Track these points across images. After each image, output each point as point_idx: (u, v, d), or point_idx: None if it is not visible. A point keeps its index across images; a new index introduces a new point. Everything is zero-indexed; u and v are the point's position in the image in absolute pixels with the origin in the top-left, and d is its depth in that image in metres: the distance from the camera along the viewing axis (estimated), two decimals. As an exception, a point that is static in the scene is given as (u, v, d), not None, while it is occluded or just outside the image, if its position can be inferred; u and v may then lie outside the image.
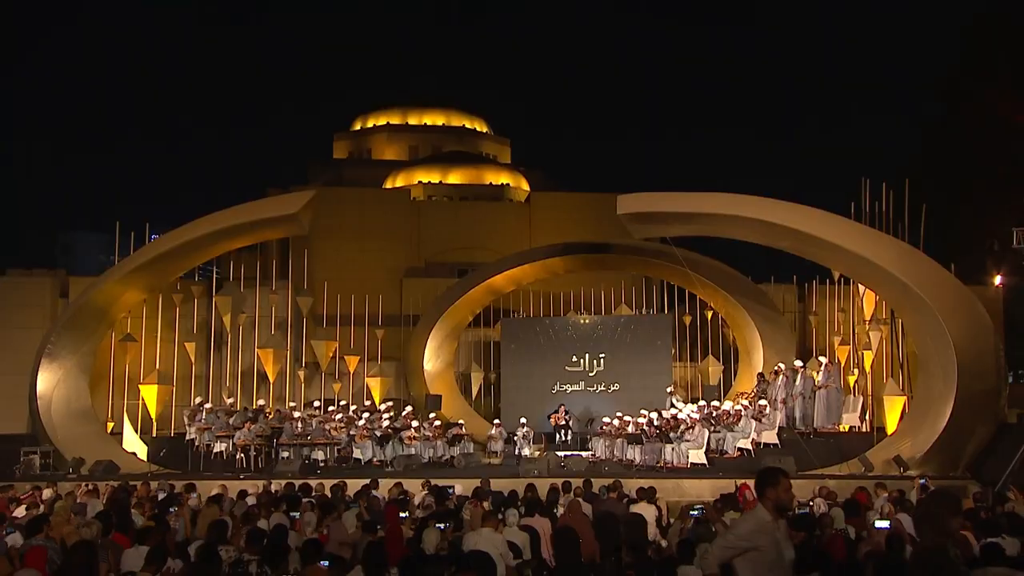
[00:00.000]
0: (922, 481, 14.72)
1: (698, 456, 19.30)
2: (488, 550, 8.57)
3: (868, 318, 24.04)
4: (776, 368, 21.60)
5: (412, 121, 44.80)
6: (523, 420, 23.13)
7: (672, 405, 22.44)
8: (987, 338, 18.31)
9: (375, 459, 21.10)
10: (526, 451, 22.04)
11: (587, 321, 26.48)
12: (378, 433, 21.54)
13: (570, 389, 25.76)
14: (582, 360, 25.97)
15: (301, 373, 25.97)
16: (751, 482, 15.15)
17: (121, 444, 22.72)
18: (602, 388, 25.63)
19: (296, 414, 22.12)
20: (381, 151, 44.02)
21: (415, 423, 22.21)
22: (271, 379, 25.04)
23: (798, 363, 21.82)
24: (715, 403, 21.63)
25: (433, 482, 15.11)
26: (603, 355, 25.82)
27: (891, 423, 21.65)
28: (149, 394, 23.85)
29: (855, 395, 22.66)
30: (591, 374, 25.84)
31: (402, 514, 11.55)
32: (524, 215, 35.89)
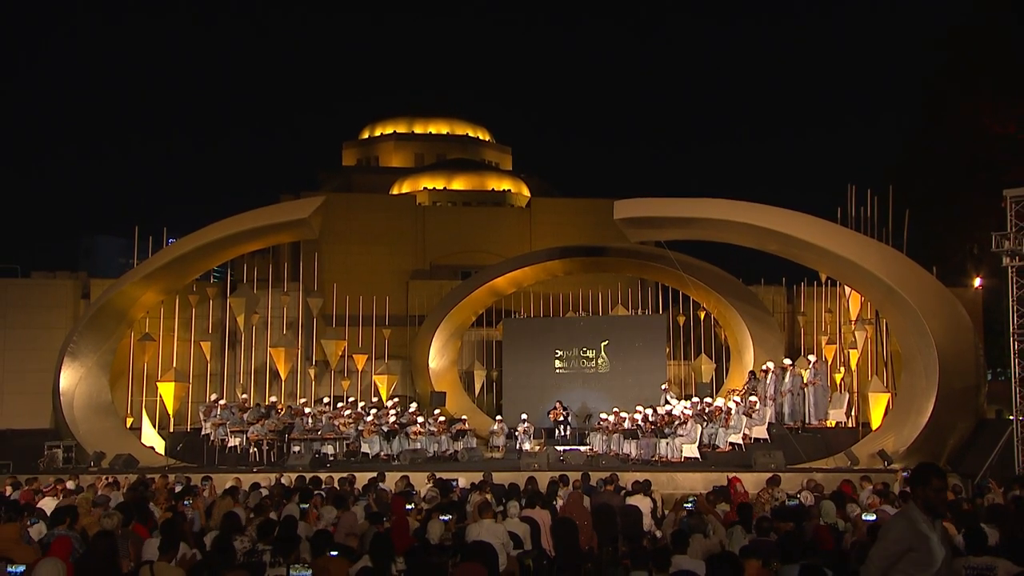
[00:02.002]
0: (905, 474, 14.71)
1: (691, 450, 19.29)
2: (490, 540, 8.59)
3: (854, 318, 24.01)
4: (766, 366, 21.59)
5: (418, 130, 44.84)
6: (524, 416, 23.12)
7: (666, 402, 22.44)
8: (967, 337, 18.30)
9: (382, 453, 21.11)
10: (527, 446, 22.02)
11: (585, 321, 26.48)
12: (385, 428, 21.55)
13: (569, 386, 25.73)
14: (580, 359, 25.96)
15: (311, 371, 25.98)
16: (742, 475, 15.23)
17: (140, 439, 22.70)
18: (599, 385, 25.60)
19: (307, 410, 22.14)
20: (388, 159, 44.05)
21: (420, 419, 22.22)
22: (283, 377, 25.06)
23: (787, 361, 21.82)
24: (707, 400, 21.64)
25: (438, 475, 15.10)
26: (600, 354, 25.80)
27: (876, 419, 21.62)
28: (166, 391, 23.87)
29: (841, 392, 22.65)
30: (589, 372, 25.82)
31: (408, 506, 11.55)
32: (525, 220, 35.87)
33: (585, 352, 25.87)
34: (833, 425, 21.03)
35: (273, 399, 23.55)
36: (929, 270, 19.31)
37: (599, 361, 25.75)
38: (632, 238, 21.59)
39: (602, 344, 25.75)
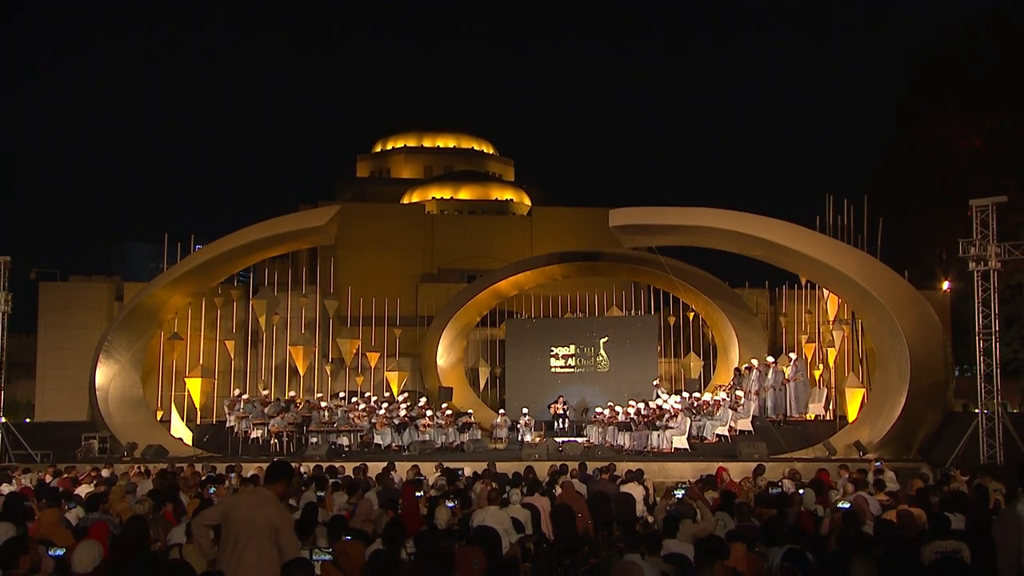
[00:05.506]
0: (878, 463, 14.70)
1: (681, 442, 19.26)
2: (494, 525, 8.60)
3: (832, 319, 24.01)
4: (750, 363, 21.58)
5: (426, 144, 44.83)
6: (525, 410, 23.10)
7: (658, 396, 22.41)
8: (936, 337, 18.30)
9: (393, 444, 21.10)
10: (528, 437, 21.99)
11: (582, 322, 26.47)
12: (396, 421, 21.55)
13: (567, 382, 25.72)
14: (578, 356, 25.96)
15: (328, 368, 26.00)
16: (728, 464, 15.23)
17: (169, 431, 22.73)
18: (596, 381, 25.58)
19: (323, 404, 22.14)
20: (399, 170, 44.05)
21: (429, 412, 22.21)
22: (301, 373, 25.08)
23: (770, 359, 21.80)
24: (696, 394, 21.62)
25: (445, 465, 15.10)
26: (600, 351, 25.80)
27: (852, 412, 21.61)
28: (194, 386, 23.90)
29: (820, 387, 22.64)
30: (588, 369, 25.81)
31: (417, 493, 11.55)
32: (526, 227, 35.87)
33: (586, 350, 25.89)
34: (812, 418, 21.00)
35: (292, 394, 23.59)
36: (901, 274, 19.29)
37: (598, 359, 25.76)
38: (626, 244, 21.61)
39: (601, 341, 25.74)
